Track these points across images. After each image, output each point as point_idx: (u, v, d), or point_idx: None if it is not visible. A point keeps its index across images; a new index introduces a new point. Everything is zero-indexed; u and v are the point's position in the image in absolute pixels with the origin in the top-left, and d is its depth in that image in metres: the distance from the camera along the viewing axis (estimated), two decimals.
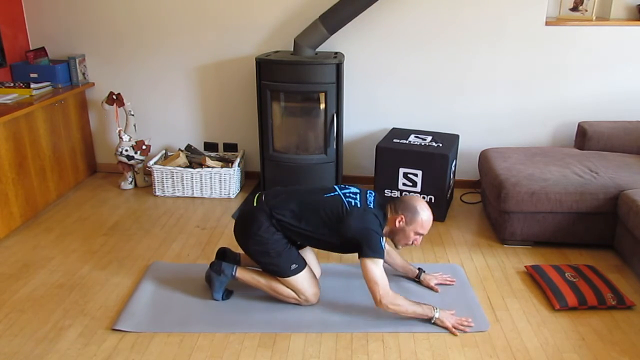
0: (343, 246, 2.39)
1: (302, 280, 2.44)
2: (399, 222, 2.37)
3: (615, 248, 2.98)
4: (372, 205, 2.39)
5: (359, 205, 2.36)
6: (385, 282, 2.29)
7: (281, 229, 2.40)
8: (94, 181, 4.08)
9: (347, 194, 2.43)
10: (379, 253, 2.28)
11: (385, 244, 2.46)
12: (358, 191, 2.46)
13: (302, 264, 2.46)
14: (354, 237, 2.30)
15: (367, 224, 2.31)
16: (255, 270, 2.54)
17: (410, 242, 2.42)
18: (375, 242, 2.28)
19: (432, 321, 2.35)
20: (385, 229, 2.40)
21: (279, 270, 2.42)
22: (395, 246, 2.47)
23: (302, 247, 2.57)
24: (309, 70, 3.35)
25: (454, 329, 2.32)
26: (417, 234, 2.40)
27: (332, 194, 2.43)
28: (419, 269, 2.71)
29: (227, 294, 2.56)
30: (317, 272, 2.64)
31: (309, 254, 2.63)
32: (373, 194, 2.48)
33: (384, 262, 2.38)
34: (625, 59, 3.59)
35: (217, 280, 2.52)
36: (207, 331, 2.32)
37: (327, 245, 2.45)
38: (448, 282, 2.69)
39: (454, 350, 2.22)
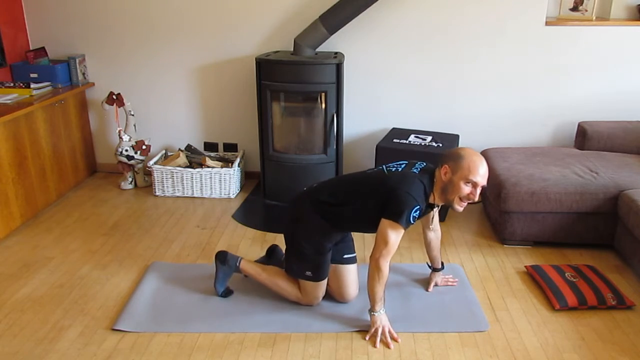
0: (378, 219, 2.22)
1: (312, 286, 2.42)
2: (445, 174, 2.15)
3: (615, 248, 2.98)
4: (416, 171, 2.23)
5: (400, 170, 2.24)
6: (392, 249, 2.16)
7: (320, 211, 2.32)
8: (94, 181, 4.08)
9: (391, 165, 2.33)
10: (401, 219, 2.11)
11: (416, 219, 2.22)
12: (405, 162, 2.33)
13: (322, 275, 2.40)
14: (388, 199, 2.15)
15: (404, 186, 2.14)
16: (260, 265, 2.57)
17: (465, 196, 2.14)
18: (402, 207, 2.11)
19: (370, 312, 2.29)
20: (437, 192, 2.21)
21: (297, 268, 2.41)
22: (453, 207, 2.20)
23: (341, 250, 2.48)
24: (309, 70, 3.35)
25: (373, 337, 2.25)
26: (467, 182, 2.12)
27: (375, 169, 2.39)
28: (442, 265, 2.65)
29: (227, 292, 2.56)
30: (351, 292, 2.48)
31: (351, 274, 2.49)
32: (424, 164, 2.31)
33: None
34: (625, 59, 3.59)
35: (220, 270, 2.54)
36: (207, 331, 2.32)
37: (364, 222, 2.29)
38: (450, 283, 2.68)
39: (454, 350, 2.22)
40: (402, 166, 2.31)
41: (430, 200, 2.26)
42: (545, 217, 2.99)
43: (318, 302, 2.48)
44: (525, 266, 2.84)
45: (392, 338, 2.26)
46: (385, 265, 2.19)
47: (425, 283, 2.67)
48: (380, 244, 2.17)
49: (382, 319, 2.29)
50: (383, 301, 2.29)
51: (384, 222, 2.16)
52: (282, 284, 2.47)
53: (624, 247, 2.86)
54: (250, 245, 3.10)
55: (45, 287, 2.67)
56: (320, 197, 2.35)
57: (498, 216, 3.13)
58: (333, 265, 2.46)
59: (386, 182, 2.22)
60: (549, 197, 2.92)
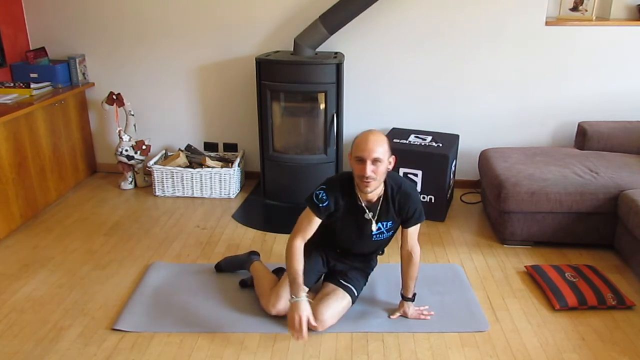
0: None
1: (281, 280, 2.41)
2: (349, 158, 2.19)
3: (615, 248, 2.98)
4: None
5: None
6: (298, 227, 2.24)
7: None
8: (94, 181, 4.08)
9: None
10: (306, 200, 2.24)
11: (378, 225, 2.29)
12: None
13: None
14: None
15: (325, 179, 2.30)
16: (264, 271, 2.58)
17: (358, 175, 2.14)
18: (311, 192, 2.25)
19: (290, 300, 2.16)
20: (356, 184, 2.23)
21: None
22: (361, 190, 2.20)
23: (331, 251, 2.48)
24: (309, 70, 3.34)
25: (294, 322, 2.10)
26: (357, 160, 2.11)
27: None
28: (412, 296, 2.41)
29: (243, 283, 2.64)
30: (323, 312, 2.30)
31: (333, 296, 2.36)
32: None
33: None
34: (625, 59, 3.59)
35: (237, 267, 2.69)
36: (207, 331, 2.32)
37: None
38: (423, 317, 2.40)
39: (454, 350, 2.22)
40: None
41: (358, 194, 2.25)
42: (545, 217, 2.99)
43: (276, 309, 2.33)
44: (525, 266, 2.84)
45: (310, 327, 2.14)
46: (290, 241, 2.22)
47: (426, 284, 2.64)
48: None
49: (299, 307, 2.12)
50: (301, 287, 2.15)
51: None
52: (265, 284, 2.48)
53: (624, 247, 2.86)
54: (250, 245, 3.10)
55: (45, 287, 2.67)
56: None
57: (498, 216, 3.13)
58: (326, 282, 2.45)
59: None
60: (549, 197, 2.92)
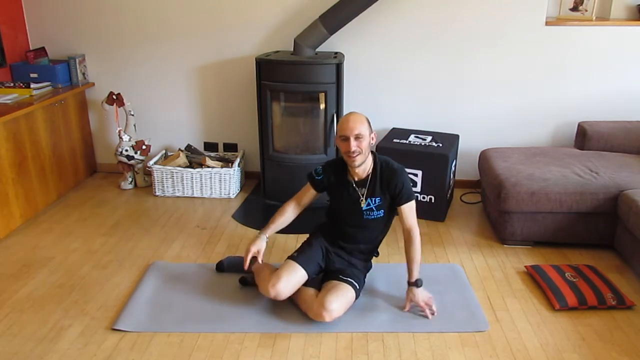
0: None
1: (283, 264, 2.45)
2: (336, 140, 2.44)
3: (615, 248, 2.98)
4: None
5: None
6: (296, 196, 2.59)
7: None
8: (94, 181, 4.08)
9: None
10: (307, 175, 2.59)
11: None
12: None
13: (298, 257, 2.47)
14: None
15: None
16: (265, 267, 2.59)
17: (347, 152, 2.35)
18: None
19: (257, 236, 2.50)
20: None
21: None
22: (350, 165, 2.42)
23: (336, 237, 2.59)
24: (309, 70, 3.35)
25: (247, 250, 2.45)
26: (342, 139, 2.36)
27: None
28: (417, 281, 2.44)
29: (220, 267, 2.77)
30: (330, 300, 2.32)
31: (338, 286, 2.41)
32: None
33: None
34: (625, 59, 3.59)
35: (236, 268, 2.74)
36: (207, 331, 2.32)
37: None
38: (427, 311, 2.41)
39: (454, 350, 2.22)
40: None
41: (349, 174, 2.49)
42: (545, 217, 2.99)
43: (275, 291, 2.33)
44: (525, 266, 2.84)
45: (253, 256, 2.45)
46: (285, 202, 2.60)
47: (427, 284, 2.58)
48: None
49: (256, 240, 2.49)
50: (269, 230, 2.53)
51: None
52: (265, 271, 2.50)
53: (624, 247, 2.86)
54: None
55: (45, 287, 2.67)
56: None
57: (498, 216, 3.13)
58: (327, 280, 2.46)
59: None
60: (549, 197, 2.92)
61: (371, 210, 2.47)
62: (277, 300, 2.42)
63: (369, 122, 2.41)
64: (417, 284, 2.44)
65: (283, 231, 2.68)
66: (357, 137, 2.33)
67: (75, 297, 2.58)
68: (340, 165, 2.51)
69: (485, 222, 3.43)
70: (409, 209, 2.45)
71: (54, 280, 2.73)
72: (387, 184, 2.43)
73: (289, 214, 2.57)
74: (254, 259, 2.49)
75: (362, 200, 2.46)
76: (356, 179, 2.47)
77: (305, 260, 2.46)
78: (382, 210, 2.49)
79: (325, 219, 2.67)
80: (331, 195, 2.58)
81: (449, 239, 3.21)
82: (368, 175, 2.46)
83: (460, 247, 3.10)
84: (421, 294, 2.44)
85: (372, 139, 2.41)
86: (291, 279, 2.37)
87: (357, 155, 2.34)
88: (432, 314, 2.41)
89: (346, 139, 2.34)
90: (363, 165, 2.41)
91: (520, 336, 2.31)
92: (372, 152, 2.48)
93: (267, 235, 2.52)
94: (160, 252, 3.01)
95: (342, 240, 2.56)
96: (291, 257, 2.49)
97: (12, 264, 2.88)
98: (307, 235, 2.67)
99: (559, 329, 2.35)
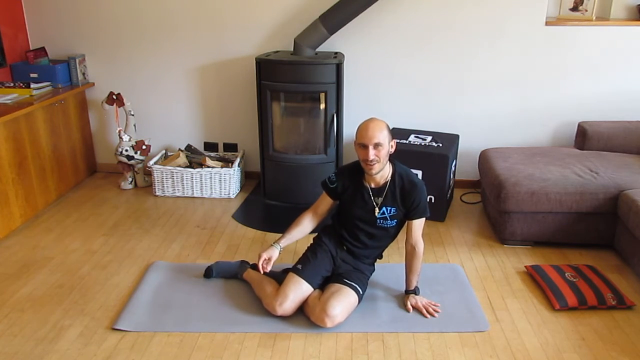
0: None
1: (288, 279, 2.41)
2: (354, 145, 2.39)
3: (615, 248, 2.98)
4: None
5: None
6: (313, 205, 2.56)
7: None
8: (93, 181, 4.08)
9: None
10: (321, 183, 2.55)
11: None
12: None
13: (303, 270, 2.42)
14: None
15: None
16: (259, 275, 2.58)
17: (365, 160, 2.32)
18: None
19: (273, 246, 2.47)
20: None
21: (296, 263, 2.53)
22: (367, 172, 2.39)
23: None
24: (309, 70, 3.35)
25: (259, 257, 2.43)
26: (361, 146, 2.32)
27: None
28: (415, 289, 2.51)
29: (209, 274, 2.72)
30: (333, 304, 2.31)
31: (340, 290, 2.39)
32: None
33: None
34: (625, 59, 3.59)
35: (227, 271, 2.71)
36: (207, 331, 2.32)
37: None
38: (431, 309, 2.44)
39: (454, 350, 2.22)
40: None
41: (365, 180, 2.45)
42: (545, 217, 2.99)
43: (282, 309, 2.33)
44: (525, 266, 2.84)
45: (263, 267, 2.43)
46: (302, 212, 2.56)
47: (427, 284, 2.63)
48: None
49: (270, 249, 2.46)
50: (283, 240, 2.49)
51: None
52: (266, 285, 2.48)
53: (624, 247, 2.86)
54: (250, 245, 3.10)
55: (45, 287, 2.67)
56: None
57: (498, 216, 3.13)
58: (330, 283, 2.45)
59: None
60: (549, 197, 2.92)
61: (385, 219, 2.45)
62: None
63: (389, 129, 2.34)
64: (415, 292, 2.51)
65: (282, 231, 2.69)
66: (376, 146, 2.29)
67: (75, 297, 2.58)
68: (357, 170, 2.46)
69: (485, 222, 3.43)
70: (419, 224, 2.46)
71: (53, 280, 2.73)
72: (406, 197, 2.40)
73: (305, 224, 2.53)
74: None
75: (376, 207, 2.43)
76: (373, 185, 2.44)
77: (310, 274, 2.42)
78: (395, 221, 2.47)
79: (330, 222, 2.63)
80: (344, 200, 2.51)
81: (449, 239, 3.21)
82: (386, 183, 2.42)
83: (460, 247, 3.10)
84: (420, 299, 2.48)
85: (392, 147, 2.37)
86: (297, 296, 2.37)
87: (375, 164, 2.32)
88: (437, 312, 2.44)
89: (365, 147, 2.30)
90: (381, 173, 2.39)
91: (520, 336, 2.31)
92: (390, 159, 2.43)
93: (282, 246, 2.47)
94: (160, 252, 3.01)
95: (350, 245, 2.53)
96: (295, 271, 2.43)
97: (12, 264, 2.88)
98: (309, 236, 2.65)
99: (559, 329, 2.35)
